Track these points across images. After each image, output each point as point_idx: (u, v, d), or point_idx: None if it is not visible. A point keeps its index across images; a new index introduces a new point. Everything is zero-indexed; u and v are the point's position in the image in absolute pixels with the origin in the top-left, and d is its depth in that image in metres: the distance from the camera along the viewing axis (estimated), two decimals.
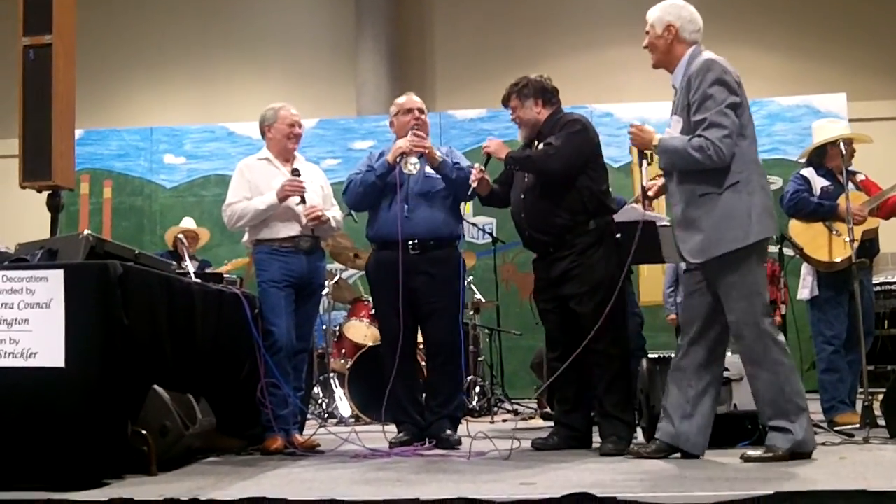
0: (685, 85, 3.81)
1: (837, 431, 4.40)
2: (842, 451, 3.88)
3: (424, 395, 4.76)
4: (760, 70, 9.63)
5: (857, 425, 4.62)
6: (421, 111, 4.74)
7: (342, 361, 6.75)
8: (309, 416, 5.48)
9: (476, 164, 4.51)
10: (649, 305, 7.66)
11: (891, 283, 7.71)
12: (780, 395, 3.63)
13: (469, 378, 6.72)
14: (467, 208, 5.21)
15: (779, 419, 3.62)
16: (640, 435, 4.54)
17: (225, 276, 4.91)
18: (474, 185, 4.45)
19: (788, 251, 5.52)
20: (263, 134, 4.77)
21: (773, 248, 5.36)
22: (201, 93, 11.26)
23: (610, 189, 4.56)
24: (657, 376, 4.36)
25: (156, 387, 3.70)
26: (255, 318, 4.41)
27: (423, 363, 5.06)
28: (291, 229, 4.55)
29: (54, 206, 4.45)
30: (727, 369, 4.04)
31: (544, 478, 3.27)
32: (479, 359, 7.13)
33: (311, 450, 4.42)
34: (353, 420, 6.21)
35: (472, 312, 7.00)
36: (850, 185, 5.00)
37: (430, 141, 4.69)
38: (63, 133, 4.38)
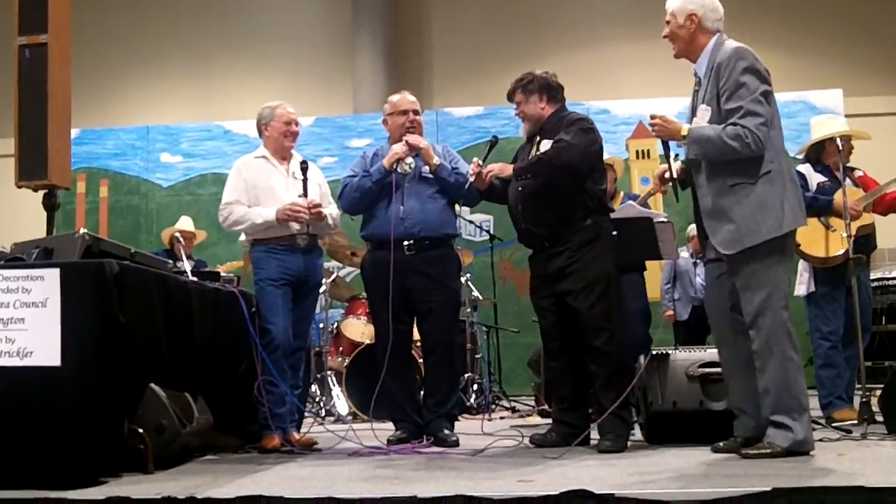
0: (712, 74, 3.75)
1: (835, 427, 4.40)
2: (840, 447, 3.87)
3: (422, 393, 4.76)
4: None
5: (855, 421, 4.63)
6: (416, 112, 4.74)
7: (339, 359, 6.75)
8: (306, 414, 5.47)
9: (474, 159, 4.49)
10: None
11: (888, 279, 7.66)
12: (785, 391, 3.59)
13: (467, 375, 6.72)
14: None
15: (780, 415, 3.58)
16: (637, 432, 4.54)
17: (222, 274, 4.90)
18: (472, 178, 4.44)
19: None
20: (260, 132, 4.77)
21: None
22: (198, 91, 11.26)
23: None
24: (655, 373, 4.35)
25: (152, 385, 3.71)
26: (252, 317, 4.41)
27: (421, 361, 5.06)
28: (289, 227, 4.54)
29: (50, 205, 4.45)
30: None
31: (542, 475, 3.26)
32: (477, 356, 7.12)
33: (308, 448, 4.42)
34: (350, 418, 6.22)
35: (469, 310, 6.99)
36: (848, 181, 5.00)
37: (426, 139, 4.69)
38: (59, 132, 4.38)
